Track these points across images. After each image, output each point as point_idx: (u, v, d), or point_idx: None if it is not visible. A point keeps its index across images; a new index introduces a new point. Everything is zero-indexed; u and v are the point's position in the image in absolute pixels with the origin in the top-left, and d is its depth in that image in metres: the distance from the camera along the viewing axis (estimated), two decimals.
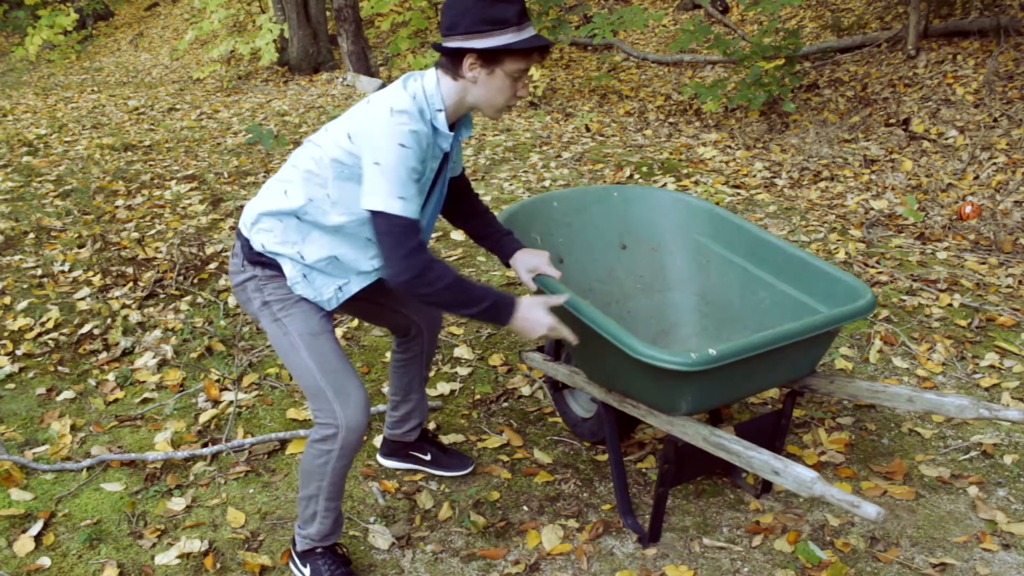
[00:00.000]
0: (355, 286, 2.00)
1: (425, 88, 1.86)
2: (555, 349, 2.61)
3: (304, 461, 2.00)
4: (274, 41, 10.11)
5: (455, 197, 2.20)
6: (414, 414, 2.46)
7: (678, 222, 2.58)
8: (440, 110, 1.85)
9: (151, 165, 5.95)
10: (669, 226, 2.60)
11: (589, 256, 2.58)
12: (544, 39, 1.82)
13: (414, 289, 1.80)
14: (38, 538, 2.31)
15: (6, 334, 3.49)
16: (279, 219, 1.92)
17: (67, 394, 3.04)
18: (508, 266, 2.21)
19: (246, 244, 1.97)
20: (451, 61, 1.83)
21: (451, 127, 1.94)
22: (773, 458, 1.80)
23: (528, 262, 2.18)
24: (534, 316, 1.91)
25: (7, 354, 3.32)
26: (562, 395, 2.75)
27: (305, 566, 2.09)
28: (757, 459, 1.83)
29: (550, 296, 1.98)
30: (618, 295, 2.60)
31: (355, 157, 1.82)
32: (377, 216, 1.78)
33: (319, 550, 2.08)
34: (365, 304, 2.22)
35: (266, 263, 1.95)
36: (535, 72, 7.89)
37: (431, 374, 3.13)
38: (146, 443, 2.75)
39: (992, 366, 3.08)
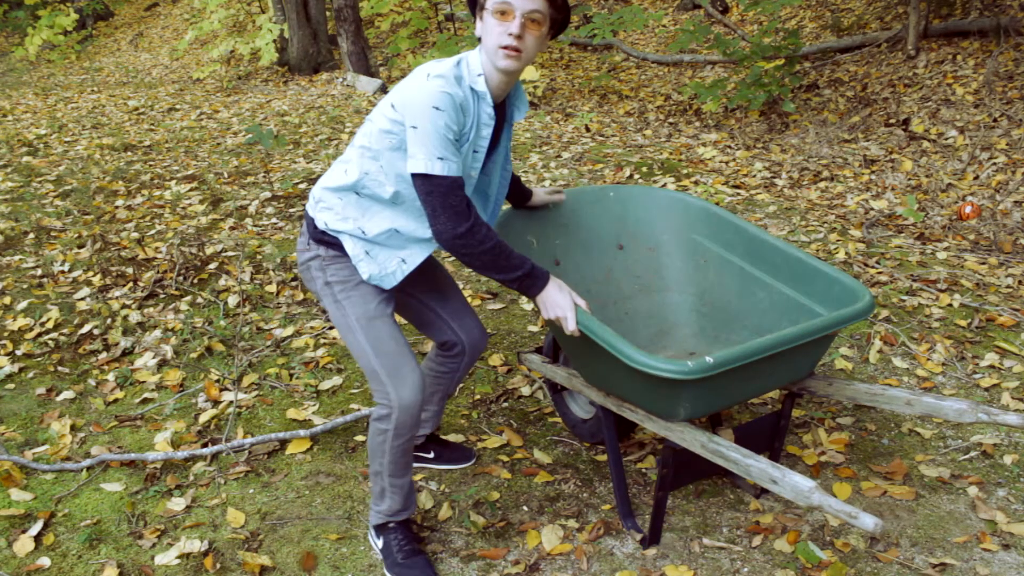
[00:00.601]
0: (418, 257, 2.03)
1: (469, 55, 1.92)
2: (553, 351, 2.61)
3: (368, 440, 2.10)
4: (274, 41, 10.11)
5: None
6: (427, 424, 2.49)
7: (676, 222, 2.57)
8: (480, 74, 1.89)
9: (151, 165, 5.95)
10: (667, 226, 2.59)
11: (586, 257, 2.57)
12: None
13: (459, 249, 1.85)
14: (38, 538, 2.31)
15: (6, 334, 3.49)
16: (339, 196, 1.99)
17: (67, 394, 3.04)
18: (524, 205, 2.46)
19: (311, 223, 2.05)
20: None
21: (502, 101, 2.00)
22: (771, 467, 1.79)
23: (546, 189, 2.49)
24: (560, 298, 1.95)
25: (7, 354, 3.32)
26: (561, 396, 2.75)
27: (379, 538, 2.18)
28: (755, 467, 1.82)
29: (577, 296, 2.00)
30: (616, 296, 2.60)
31: (400, 125, 1.87)
32: (420, 178, 1.83)
33: (392, 525, 2.17)
34: (417, 304, 2.26)
35: (329, 242, 2.01)
36: (535, 72, 7.89)
37: None
38: (146, 443, 2.75)
39: (992, 366, 3.08)
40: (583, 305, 1.99)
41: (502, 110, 2.03)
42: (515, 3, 1.80)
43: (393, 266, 2.01)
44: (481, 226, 1.85)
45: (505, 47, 1.82)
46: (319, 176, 5.47)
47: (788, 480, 1.73)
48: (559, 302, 1.95)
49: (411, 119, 1.82)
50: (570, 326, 1.95)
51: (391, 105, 1.88)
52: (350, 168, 1.98)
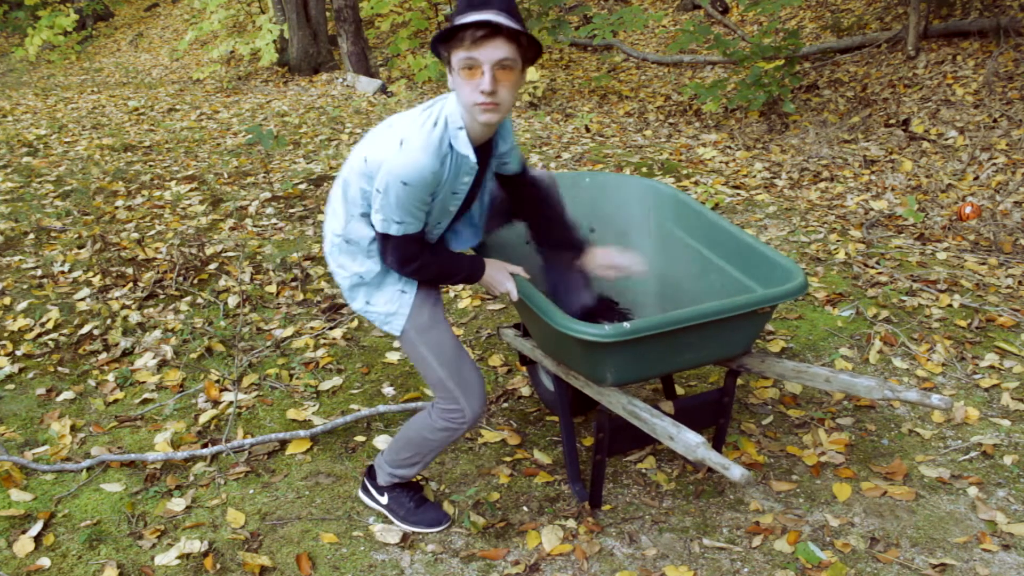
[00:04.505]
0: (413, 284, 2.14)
1: (446, 109, 1.86)
2: (525, 326, 2.69)
3: (416, 430, 2.16)
4: (274, 42, 10.11)
5: (525, 195, 2.28)
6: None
7: (646, 208, 2.66)
8: (460, 128, 1.85)
9: (151, 166, 5.95)
10: (638, 212, 2.68)
11: None
12: (470, 17, 1.70)
13: (406, 275, 2.03)
14: (38, 539, 2.31)
15: (6, 335, 3.49)
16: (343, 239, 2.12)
17: (67, 395, 3.04)
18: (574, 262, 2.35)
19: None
20: None
21: (486, 143, 1.97)
22: (671, 425, 1.95)
23: (602, 260, 2.30)
24: (499, 276, 2.13)
25: (7, 355, 3.32)
26: (535, 369, 2.86)
27: (383, 495, 2.30)
28: (659, 425, 1.98)
29: (511, 265, 2.17)
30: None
31: (369, 179, 1.93)
32: (379, 234, 1.97)
33: (397, 483, 2.29)
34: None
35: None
36: (534, 72, 7.88)
37: None
38: (146, 444, 2.75)
39: (992, 367, 3.08)
40: (520, 271, 2.14)
41: (486, 148, 2.00)
42: (480, 57, 1.72)
43: (396, 300, 2.10)
44: (420, 266, 1.99)
45: (480, 104, 1.76)
46: (319, 176, 5.47)
47: (681, 436, 1.91)
48: (498, 278, 2.12)
49: (378, 182, 1.85)
50: (513, 296, 2.11)
51: (364, 159, 1.90)
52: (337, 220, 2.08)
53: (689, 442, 1.88)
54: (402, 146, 1.80)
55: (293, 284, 3.87)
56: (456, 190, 1.96)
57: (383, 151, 1.84)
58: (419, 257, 1.98)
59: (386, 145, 1.84)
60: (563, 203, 2.31)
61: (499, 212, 2.34)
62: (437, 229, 2.08)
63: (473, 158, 1.89)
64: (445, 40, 1.76)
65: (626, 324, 1.93)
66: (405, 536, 2.28)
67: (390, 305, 2.08)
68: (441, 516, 2.31)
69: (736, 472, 1.76)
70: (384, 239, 1.95)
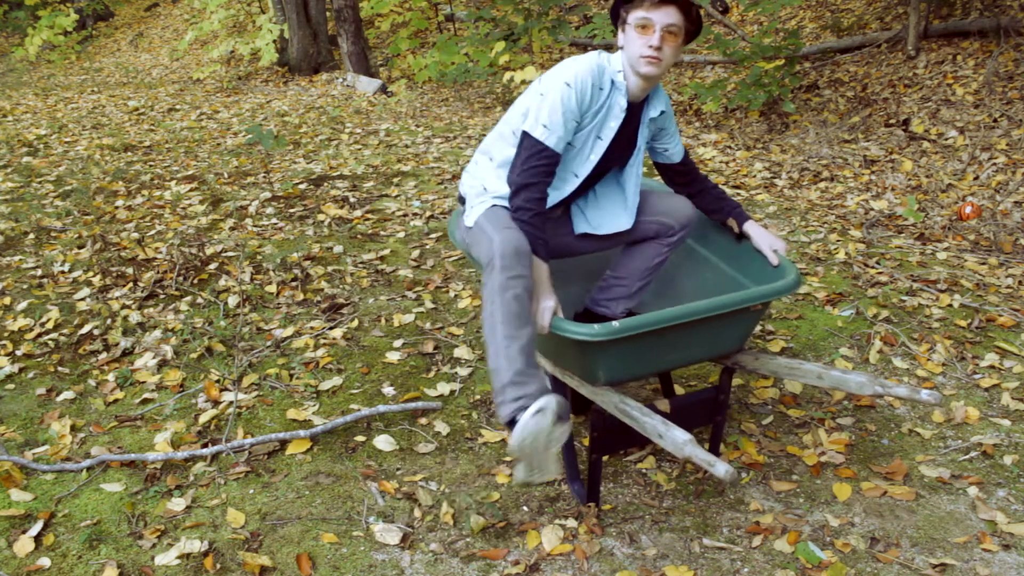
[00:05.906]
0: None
1: (611, 55, 2.20)
2: None
3: (482, 308, 2.06)
4: (274, 41, 10.11)
5: (680, 183, 2.48)
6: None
7: None
8: (619, 71, 2.17)
9: (151, 165, 5.95)
10: None
11: None
12: None
13: (512, 198, 2.13)
14: (38, 538, 2.31)
15: (6, 334, 3.49)
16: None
17: (67, 394, 3.04)
18: (741, 234, 2.42)
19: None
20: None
21: (640, 103, 2.24)
22: (660, 423, 1.96)
23: (767, 240, 2.34)
24: (540, 303, 2.08)
25: (7, 354, 3.32)
26: None
27: (513, 426, 1.93)
28: (648, 423, 1.99)
29: (554, 299, 2.10)
30: (583, 273, 2.73)
31: (540, 95, 2.15)
32: (523, 134, 2.14)
33: (520, 411, 1.92)
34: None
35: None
36: (533, 71, 7.87)
37: (431, 375, 3.13)
38: (146, 443, 2.75)
39: (992, 367, 3.08)
40: (559, 312, 2.10)
41: (638, 110, 2.26)
42: (655, 18, 2.07)
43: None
44: (536, 191, 2.09)
45: (645, 56, 2.09)
46: (319, 176, 5.47)
47: (670, 434, 1.93)
48: (542, 312, 2.07)
49: (543, 88, 2.13)
50: (542, 330, 2.07)
51: (538, 80, 2.18)
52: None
53: (677, 440, 1.90)
54: (574, 60, 2.13)
55: (293, 284, 3.87)
56: (601, 135, 2.19)
57: (553, 69, 2.15)
58: (537, 183, 2.09)
59: (557, 66, 2.16)
60: (714, 184, 2.50)
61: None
62: (567, 171, 2.20)
63: (625, 93, 2.16)
64: (627, 0, 2.12)
65: (615, 323, 1.94)
66: (405, 536, 2.28)
67: (493, 202, 2.18)
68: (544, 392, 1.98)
69: (721, 469, 1.78)
70: (523, 142, 2.11)
